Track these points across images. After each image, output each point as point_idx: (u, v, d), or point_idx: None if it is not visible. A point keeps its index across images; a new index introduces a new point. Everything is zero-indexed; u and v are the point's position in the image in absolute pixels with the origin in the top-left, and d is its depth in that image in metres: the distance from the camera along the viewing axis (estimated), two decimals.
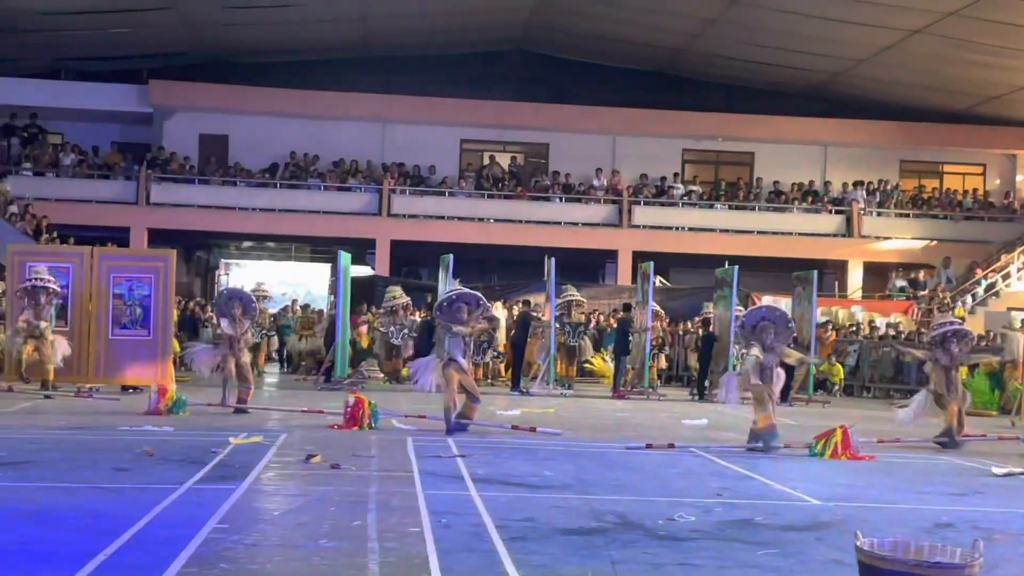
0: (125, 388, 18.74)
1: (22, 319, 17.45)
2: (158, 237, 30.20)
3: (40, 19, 28.56)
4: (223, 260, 35.58)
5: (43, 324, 17.48)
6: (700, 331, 24.40)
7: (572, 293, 24.20)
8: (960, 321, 16.69)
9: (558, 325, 23.17)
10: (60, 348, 17.66)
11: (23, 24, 28.69)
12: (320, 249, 34.11)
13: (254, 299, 16.76)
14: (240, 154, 32.68)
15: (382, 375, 23.61)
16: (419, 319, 24.15)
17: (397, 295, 23.80)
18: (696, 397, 22.39)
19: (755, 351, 13.22)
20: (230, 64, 32.93)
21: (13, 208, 28.74)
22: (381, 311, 24.22)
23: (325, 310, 27.23)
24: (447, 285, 24.05)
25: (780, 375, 13.68)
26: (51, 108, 32.04)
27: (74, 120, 32.68)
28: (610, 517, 8.34)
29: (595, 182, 32.89)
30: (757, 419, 13.25)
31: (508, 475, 10.39)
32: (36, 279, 17.58)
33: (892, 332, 27.19)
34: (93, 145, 32.33)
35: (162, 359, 18.65)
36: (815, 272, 23.84)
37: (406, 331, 23.23)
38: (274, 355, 27.55)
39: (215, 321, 18.28)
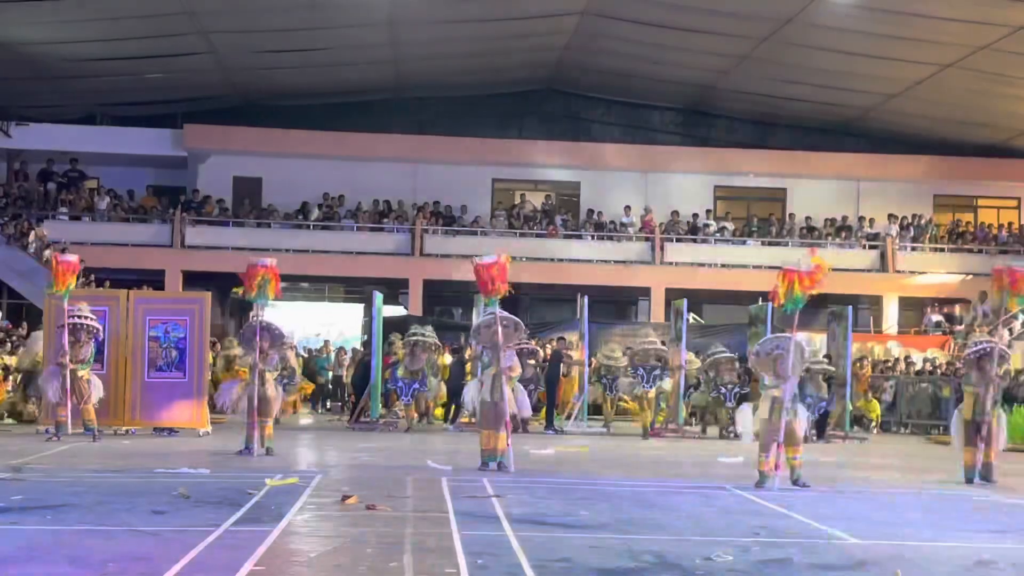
0: (159, 431, 18.80)
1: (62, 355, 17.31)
2: (193, 279, 30.38)
3: (77, 66, 28.97)
4: (258, 301, 35.69)
5: (81, 362, 17.41)
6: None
7: (611, 353, 23.22)
8: (995, 341, 15.95)
9: (595, 378, 23.09)
10: (96, 390, 17.62)
11: (61, 71, 29.12)
12: (353, 290, 34.25)
13: (283, 331, 16.60)
14: (274, 196, 32.89)
15: (411, 418, 22.00)
16: (446, 360, 23.92)
17: (427, 333, 22.25)
18: (732, 435, 22.19)
19: (768, 382, 13.12)
20: (263, 107, 33.24)
21: (49, 252, 29.05)
22: (404, 345, 22.22)
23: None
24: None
25: (801, 413, 13.43)
26: (88, 153, 32.41)
27: (110, 165, 33.06)
28: (647, 557, 8.28)
29: (624, 219, 32.90)
30: (759, 459, 13.07)
31: (544, 515, 10.34)
32: (78, 316, 17.52)
33: (929, 367, 26.95)
34: (128, 189, 32.65)
35: (198, 401, 18.76)
36: (849, 308, 23.70)
37: (428, 378, 21.73)
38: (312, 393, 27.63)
39: (241, 352, 18.23)
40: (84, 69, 29.34)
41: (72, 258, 18.02)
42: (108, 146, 32.35)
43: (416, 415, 22.23)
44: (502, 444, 14.28)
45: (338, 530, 9.26)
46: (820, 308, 26.02)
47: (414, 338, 21.68)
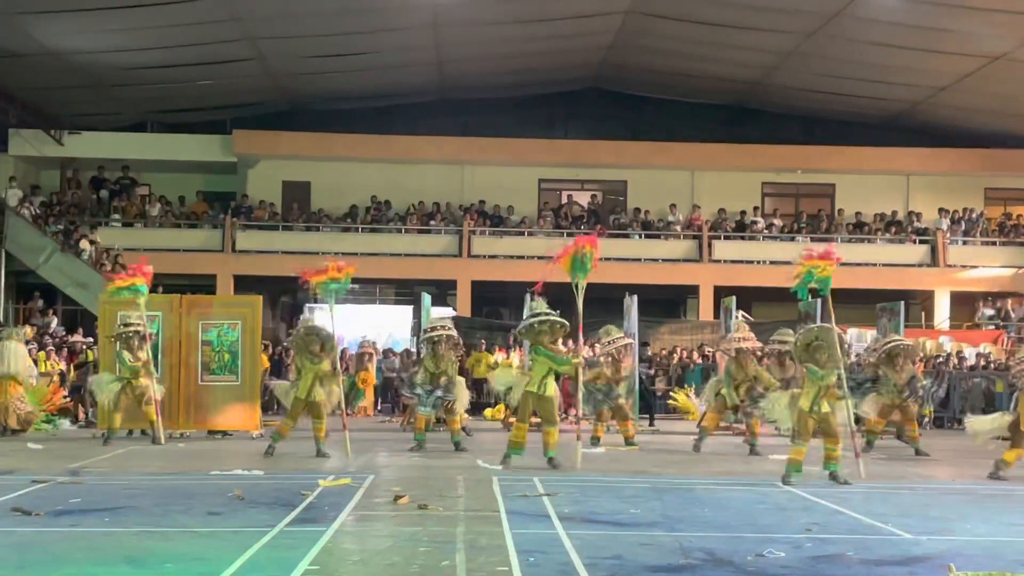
0: (212, 433, 19.01)
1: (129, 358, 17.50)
2: (244, 283, 30.68)
3: (128, 74, 29.33)
4: (307, 304, 35.96)
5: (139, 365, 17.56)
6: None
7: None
8: None
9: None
10: (152, 392, 17.76)
11: (112, 80, 29.49)
12: (403, 291, 34.41)
13: (333, 335, 16.39)
14: (322, 199, 33.16)
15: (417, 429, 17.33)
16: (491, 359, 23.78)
17: (440, 326, 17.95)
18: (779, 431, 22.03)
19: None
20: (311, 112, 33.51)
21: (103, 259, 29.43)
22: (425, 343, 17.95)
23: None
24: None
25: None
26: (139, 160, 32.85)
27: (161, 171, 33.47)
28: (699, 554, 8.30)
29: (670, 217, 32.85)
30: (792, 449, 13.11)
31: (594, 513, 10.37)
32: (129, 323, 17.69)
33: (982, 362, 26.68)
34: (179, 195, 33.03)
35: (251, 404, 18.95)
36: (901, 303, 23.52)
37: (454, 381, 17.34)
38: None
39: (291, 357, 18.08)
40: (135, 77, 29.70)
41: (147, 269, 18.07)
42: (159, 153, 32.78)
43: (434, 420, 18.18)
44: (553, 439, 14.47)
45: (391, 530, 9.35)
46: (871, 304, 25.89)
47: (437, 334, 17.43)
